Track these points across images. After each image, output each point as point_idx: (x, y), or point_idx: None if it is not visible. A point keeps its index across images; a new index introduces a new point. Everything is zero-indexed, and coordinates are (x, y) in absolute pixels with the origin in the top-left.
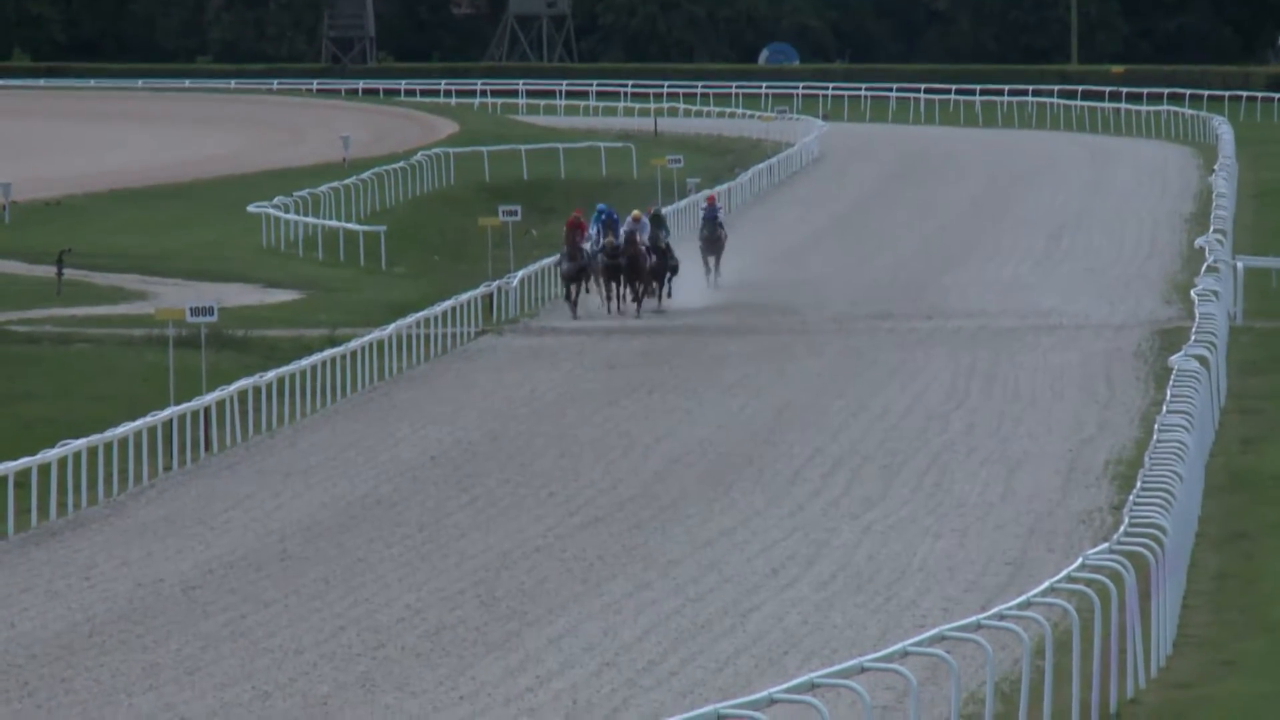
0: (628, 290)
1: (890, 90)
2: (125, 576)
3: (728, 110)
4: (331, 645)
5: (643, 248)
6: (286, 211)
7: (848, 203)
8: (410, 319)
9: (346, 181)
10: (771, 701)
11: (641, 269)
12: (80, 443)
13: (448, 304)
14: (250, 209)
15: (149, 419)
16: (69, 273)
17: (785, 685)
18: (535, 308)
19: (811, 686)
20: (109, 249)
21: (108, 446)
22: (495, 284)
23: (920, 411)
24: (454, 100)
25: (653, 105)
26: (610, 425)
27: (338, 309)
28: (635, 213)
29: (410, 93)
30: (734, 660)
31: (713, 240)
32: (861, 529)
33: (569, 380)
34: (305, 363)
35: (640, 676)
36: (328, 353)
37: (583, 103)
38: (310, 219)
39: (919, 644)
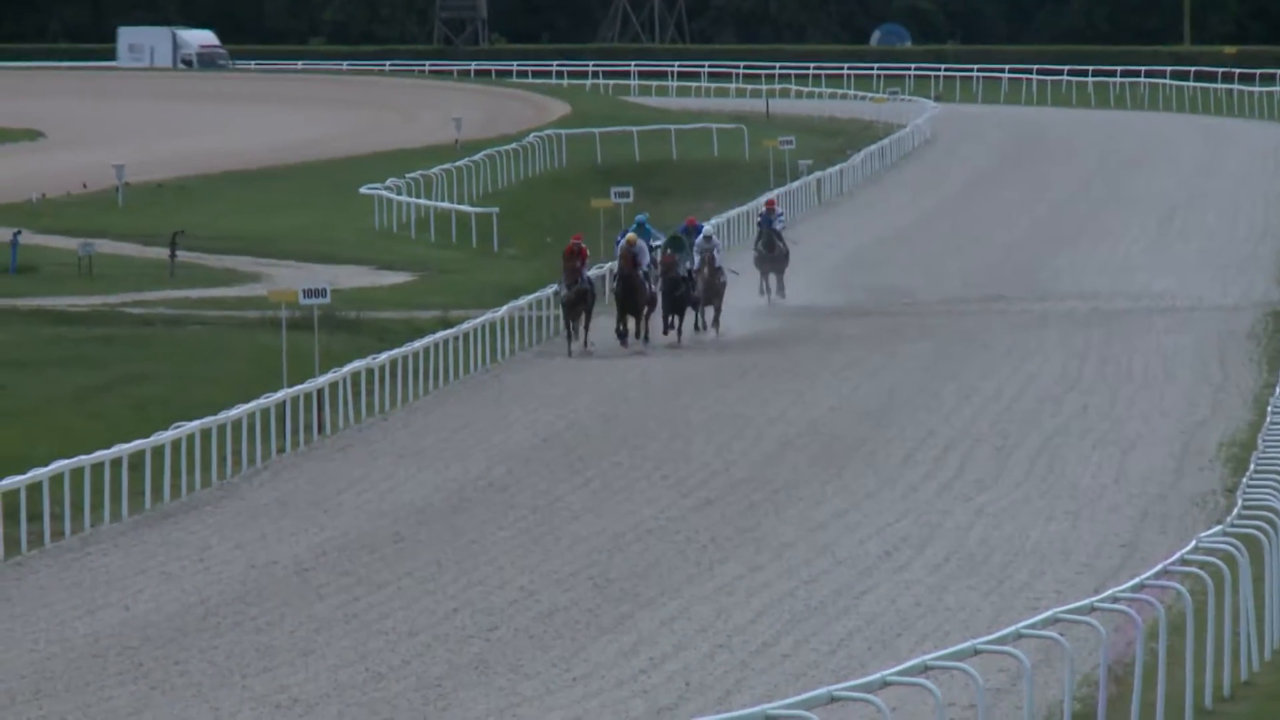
0: (624, 323)
1: (1002, 71)
2: (239, 558)
3: (839, 91)
4: (445, 627)
5: (640, 274)
6: (399, 193)
7: (959, 184)
8: (522, 301)
9: (458, 163)
10: (884, 684)
11: (638, 299)
12: (193, 425)
13: (559, 286)
14: (362, 191)
15: (262, 401)
16: (182, 255)
17: (898, 667)
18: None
19: (924, 669)
20: (222, 231)
21: (221, 429)
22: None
23: (1032, 393)
24: (566, 81)
25: (764, 86)
26: (722, 407)
27: (450, 291)
28: (630, 235)
29: (522, 74)
30: (847, 642)
31: (771, 254)
32: (974, 511)
33: (681, 362)
34: (418, 345)
35: (753, 659)
36: (440, 335)
37: (694, 84)
38: (422, 200)
39: (1032, 626)
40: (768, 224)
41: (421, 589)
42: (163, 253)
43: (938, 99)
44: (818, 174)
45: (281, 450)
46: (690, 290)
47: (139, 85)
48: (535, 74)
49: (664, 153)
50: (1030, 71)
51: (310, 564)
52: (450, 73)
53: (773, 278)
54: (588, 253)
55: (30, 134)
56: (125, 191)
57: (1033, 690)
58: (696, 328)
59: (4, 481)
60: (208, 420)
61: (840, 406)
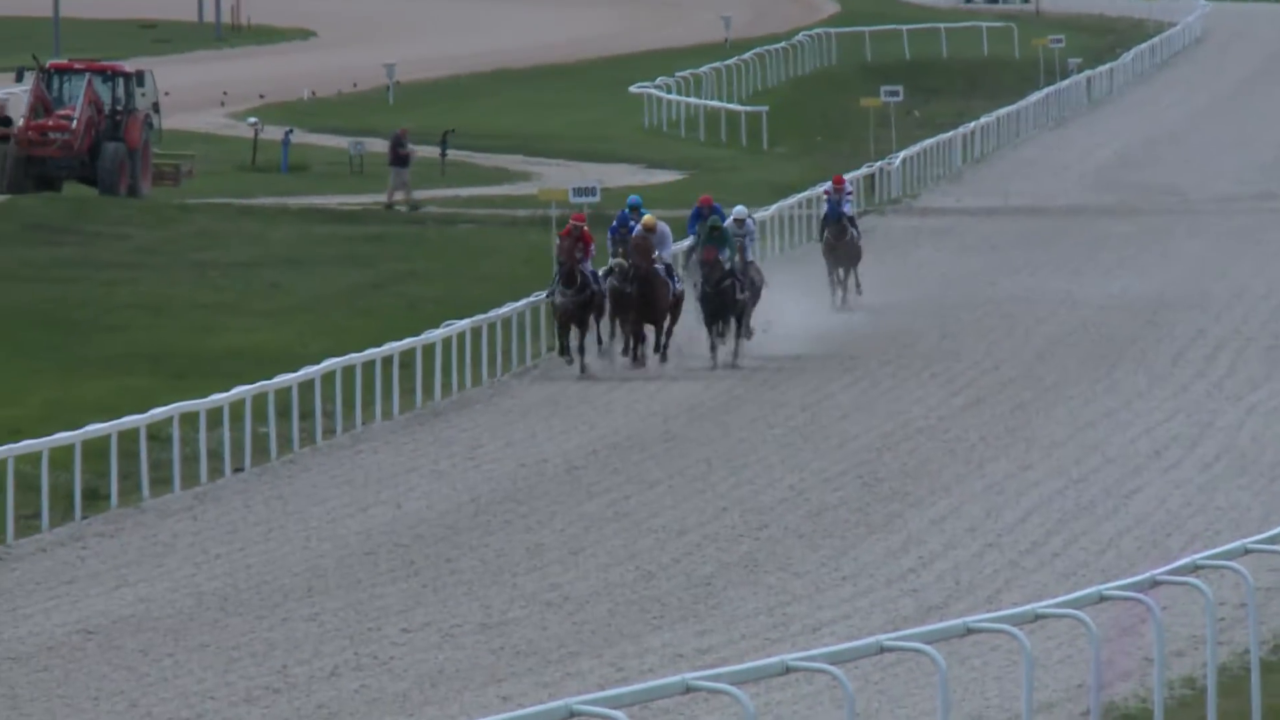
0: (636, 332)
1: None
2: (509, 457)
3: None
4: (714, 526)
5: (660, 268)
6: (668, 92)
7: (1230, 83)
8: (792, 200)
9: (728, 62)
10: (1154, 583)
11: (657, 301)
12: (464, 323)
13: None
14: (632, 89)
15: (532, 299)
16: (453, 153)
17: (1168, 567)
18: (917, 188)
19: (1195, 568)
20: (492, 129)
21: (491, 327)
22: (877, 164)
23: None
24: None
25: None
26: (991, 306)
27: (720, 189)
28: (648, 218)
29: None
30: (1116, 542)
31: (839, 243)
32: (1245, 410)
33: (950, 261)
34: (687, 243)
35: (1022, 558)
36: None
37: None
38: (692, 99)
39: None
40: (836, 207)
41: (691, 488)
42: (433, 151)
43: None
44: (1087, 73)
45: (552, 349)
46: (738, 290)
47: None
48: None
49: (934, 51)
50: None
51: (580, 462)
52: None
53: (841, 272)
54: (592, 239)
55: (302, 33)
56: (396, 90)
57: None
58: (747, 337)
59: (277, 379)
60: (478, 318)
61: (1110, 305)
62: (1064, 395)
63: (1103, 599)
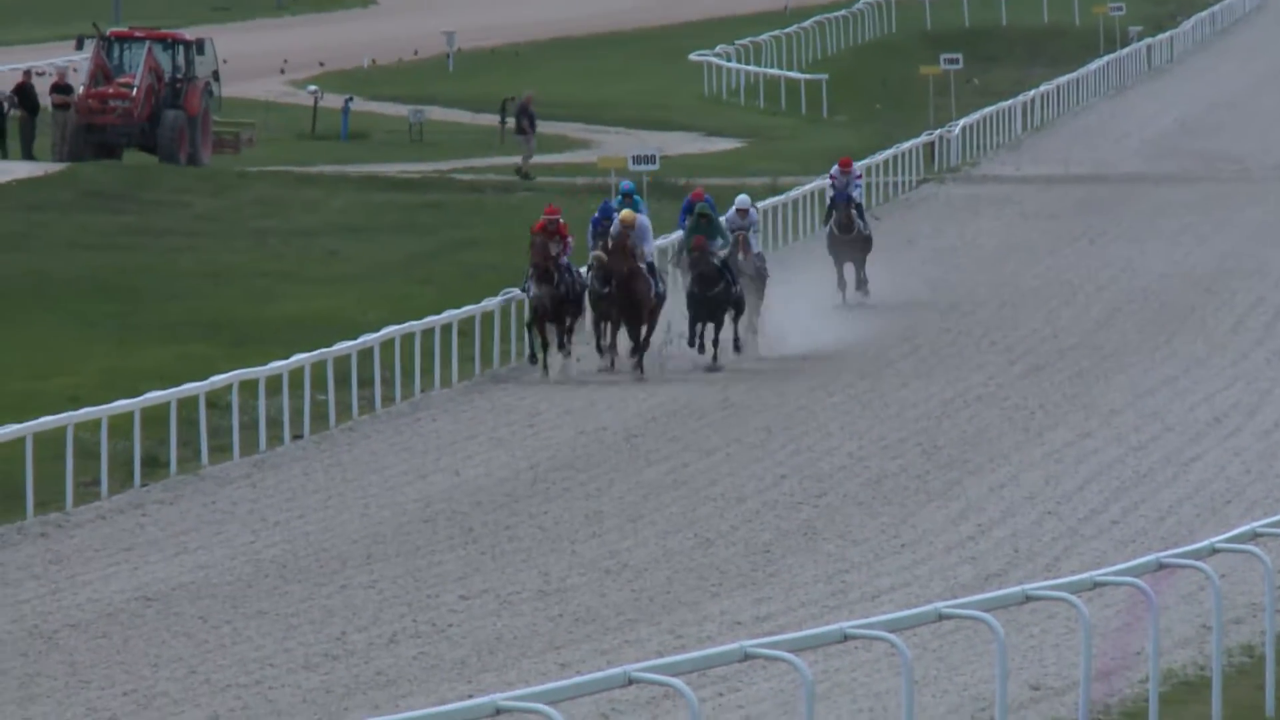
0: (616, 333)
1: None
2: (568, 424)
3: None
4: (773, 493)
5: (642, 266)
6: (728, 60)
7: None
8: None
9: (788, 30)
10: (1213, 551)
11: (639, 301)
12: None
13: (889, 152)
14: (692, 57)
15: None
16: (512, 121)
17: (1227, 535)
18: (977, 156)
19: (1254, 536)
20: (552, 97)
21: None
22: (937, 132)
23: None
24: None
25: None
26: (1051, 274)
27: (779, 157)
28: (626, 213)
29: None
30: (1176, 509)
31: (847, 235)
32: None
33: (1009, 229)
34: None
35: (1082, 525)
36: (769, 201)
37: None
38: (752, 67)
39: None
40: (843, 196)
41: (750, 455)
42: (493, 119)
43: None
44: (1147, 40)
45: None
46: (732, 286)
47: None
48: None
49: (993, 19)
50: None
51: (639, 430)
52: None
53: (849, 268)
54: (569, 232)
55: (362, 0)
56: (456, 58)
57: None
58: (736, 341)
59: (336, 347)
60: None
61: (1170, 273)
62: (1123, 363)
63: (1161, 566)
